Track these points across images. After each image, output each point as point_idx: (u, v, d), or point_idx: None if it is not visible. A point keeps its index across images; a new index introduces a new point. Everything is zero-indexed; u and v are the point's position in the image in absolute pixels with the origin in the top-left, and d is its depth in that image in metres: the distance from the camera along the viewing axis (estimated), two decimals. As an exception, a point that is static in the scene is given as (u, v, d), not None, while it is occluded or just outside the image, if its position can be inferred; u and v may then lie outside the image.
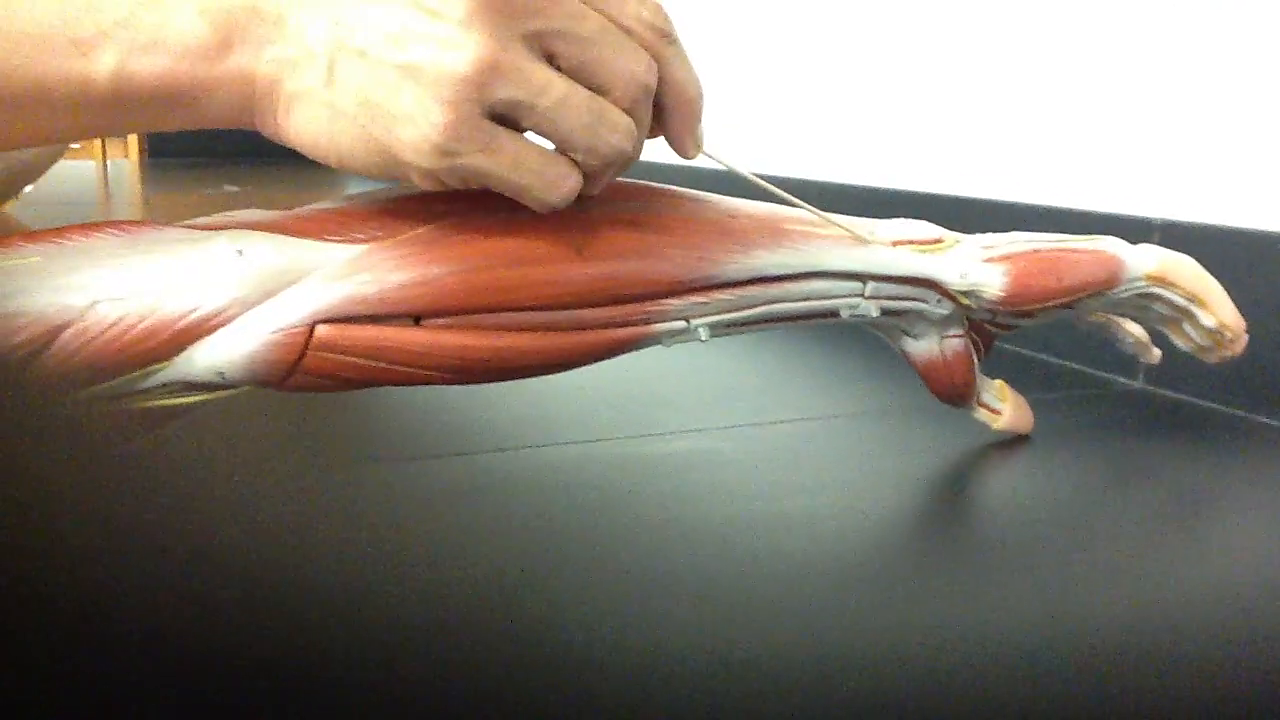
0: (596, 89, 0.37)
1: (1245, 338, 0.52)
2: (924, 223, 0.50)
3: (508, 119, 0.36)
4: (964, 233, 0.51)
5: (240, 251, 0.38)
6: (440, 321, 0.40)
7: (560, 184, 0.38)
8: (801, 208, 0.47)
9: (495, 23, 0.35)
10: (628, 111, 0.38)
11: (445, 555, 0.43)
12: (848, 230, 0.47)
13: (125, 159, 2.87)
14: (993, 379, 0.57)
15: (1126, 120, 0.71)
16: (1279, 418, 0.61)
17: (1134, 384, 0.69)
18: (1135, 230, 0.68)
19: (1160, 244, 0.67)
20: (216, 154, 2.62)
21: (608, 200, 0.42)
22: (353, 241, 0.40)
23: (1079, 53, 0.74)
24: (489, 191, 0.39)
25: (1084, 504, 0.50)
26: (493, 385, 0.42)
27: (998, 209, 0.80)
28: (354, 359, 0.39)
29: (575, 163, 0.38)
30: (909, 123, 0.91)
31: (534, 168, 0.37)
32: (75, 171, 2.58)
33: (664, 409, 0.62)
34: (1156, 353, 0.57)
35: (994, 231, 0.52)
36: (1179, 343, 0.54)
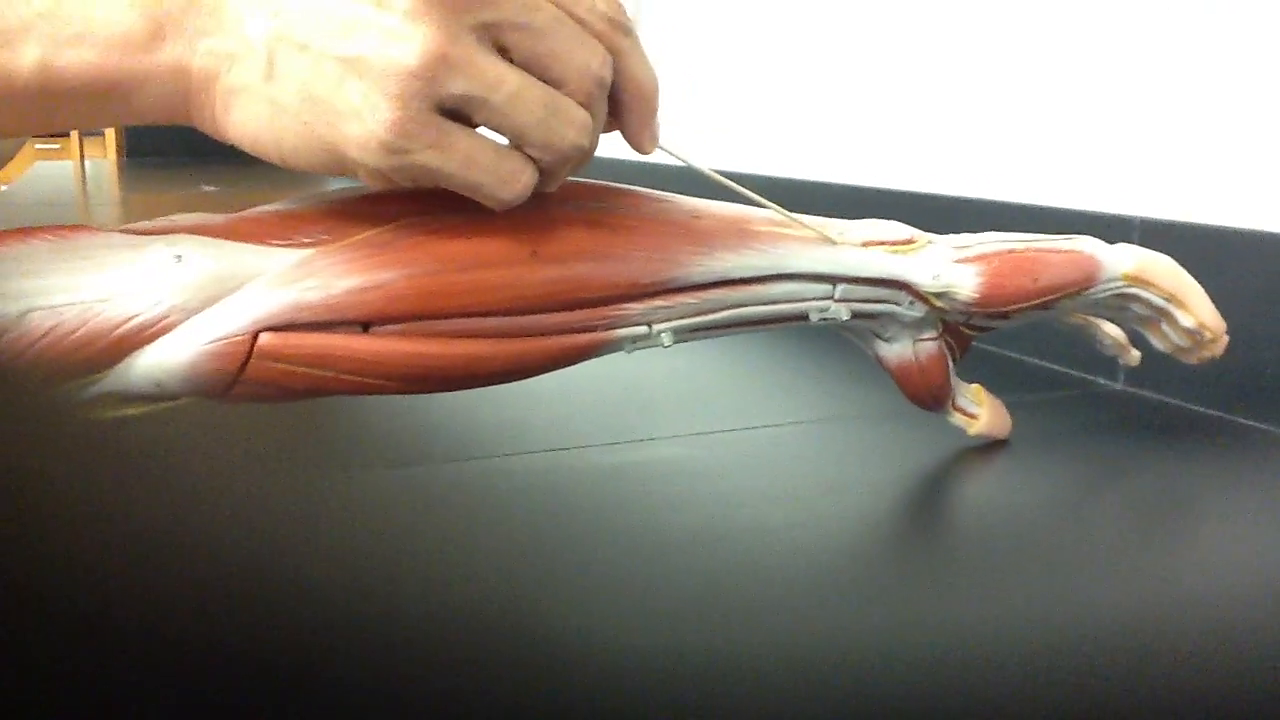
0: (551, 82, 0.36)
1: (1225, 338, 0.51)
2: (895, 223, 0.48)
3: (459, 114, 0.35)
4: (939, 232, 0.50)
5: (179, 257, 0.37)
6: (390, 328, 0.38)
7: (514, 181, 0.36)
8: (765, 206, 0.45)
9: (444, 14, 0.33)
10: (583, 105, 0.36)
11: (405, 566, 0.42)
12: (815, 230, 0.46)
13: (104, 159, 2.85)
14: (970, 382, 0.56)
15: (1105, 116, 0.70)
16: (1262, 420, 0.60)
17: (1114, 385, 0.68)
18: (1115, 228, 0.67)
19: (1140, 242, 0.65)
20: (195, 153, 2.60)
21: (565, 200, 0.41)
22: (298, 245, 0.38)
23: (1057, 49, 0.73)
24: (442, 192, 0.38)
25: (1063, 509, 0.49)
26: (456, 393, 0.41)
27: (974, 207, 0.79)
28: (299, 368, 0.38)
29: (530, 158, 0.37)
30: (883, 119, 0.90)
31: (487, 164, 0.36)
32: (53, 172, 2.56)
33: (637, 415, 0.61)
34: (1136, 354, 0.56)
35: (971, 231, 0.50)
36: (1158, 344, 0.52)
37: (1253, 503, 0.51)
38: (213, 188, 1.89)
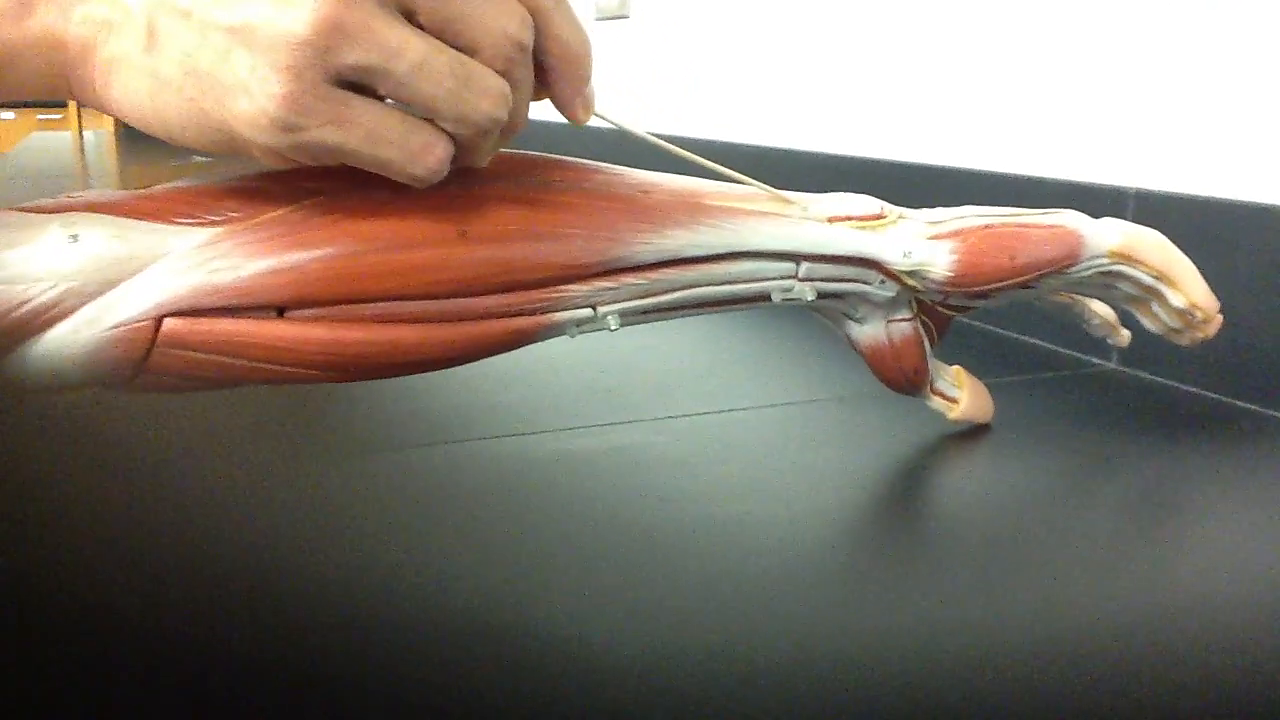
0: (463, 48, 0.32)
1: (1219, 318, 0.48)
2: (865, 197, 0.45)
3: (360, 85, 0.32)
4: (919, 206, 0.47)
5: (75, 237, 0.34)
6: (307, 313, 0.36)
7: (426, 156, 0.33)
8: (724, 175, 0.42)
9: None
10: (501, 73, 0.33)
11: (352, 555, 0.39)
12: (774, 195, 0.43)
13: (105, 129, 2.82)
14: (953, 362, 0.53)
15: (1099, 82, 0.66)
16: (1259, 403, 0.57)
17: (1108, 365, 0.65)
18: (1109, 200, 0.63)
19: (1135, 216, 0.62)
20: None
21: (500, 176, 0.38)
22: (206, 224, 0.35)
23: (1046, 13, 0.69)
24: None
25: (1046, 499, 0.46)
26: (407, 377, 0.38)
27: (957, 178, 0.76)
28: (209, 355, 0.35)
29: (444, 131, 0.34)
30: (859, 83, 0.86)
31: (394, 139, 0.33)
32: (52, 143, 2.54)
33: (600, 399, 0.58)
34: (1126, 335, 0.52)
35: (954, 204, 0.47)
36: (1148, 324, 0.49)
37: (1248, 492, 0.48)
38: (206, 158, 1.86)
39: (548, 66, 0.35)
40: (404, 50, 0.31)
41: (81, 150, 2.51)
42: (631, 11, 1.26)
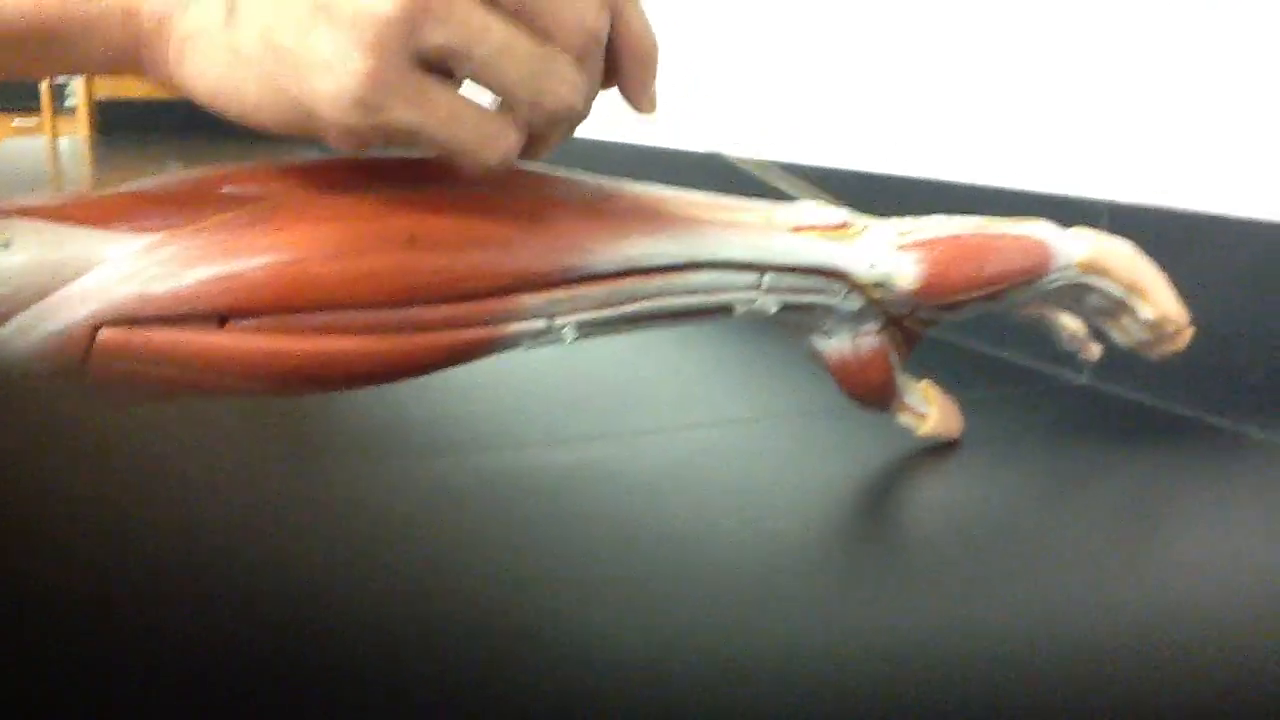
0: (541, 35, 0.32)
1: (1189, 331, 0.47)
2: (830, 206, 0.44)
3: (439, 67, 0.32)
4: (894, 216, 0.46)
5: (6, 244, 0.33)
6: (249, 323, 0.34)
7: (499, 141, 0.33)
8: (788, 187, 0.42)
9: None
10: (576, 62, 0.33)
11: (305, 567, 0.38)
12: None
13: (78, 135, 2.80)
14: (923, 375, 0.52)
15: (1073, 93, 0.66)
16: (1231, 418, 0.56)
17: (1078, 380, 0.64)
18: (1082, 212, 0.63)
19: (1109, 227, 0.62)
20: (166, 129, 2.55)
21: (452, 181, 0.37)
22: (144, 230, 0.34)
23: (1019, 25, 0.69)
24: (308, 172, 0.34)
25: (1018, 513, 0.45)
26: (356, 392, 0.37)
27: (928, 189, 0.75)
28: (147, 367, 0.34)
29: (515, 119, 0.34)
30: (831, 92, 0.86)
31: (470, 123, 0.32)
32: (26, 148, 2.51)
33: (568, 413, 0.57)
34: (1097, 349, 0.52)
35: (930, 215, 0.46)
36: (1118, 337, 0.48)
37: (1219, 507, 0.47)
38: (179, 164, 1.85)
39: (619, 59, 0.35)
40: (487, 33, 0.31)
41: (56, 156, 2.49)
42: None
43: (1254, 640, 0.35)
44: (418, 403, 0.56)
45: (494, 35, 0.31)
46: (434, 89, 0.32)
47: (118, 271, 0.33)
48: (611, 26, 0.34)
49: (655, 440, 0.53)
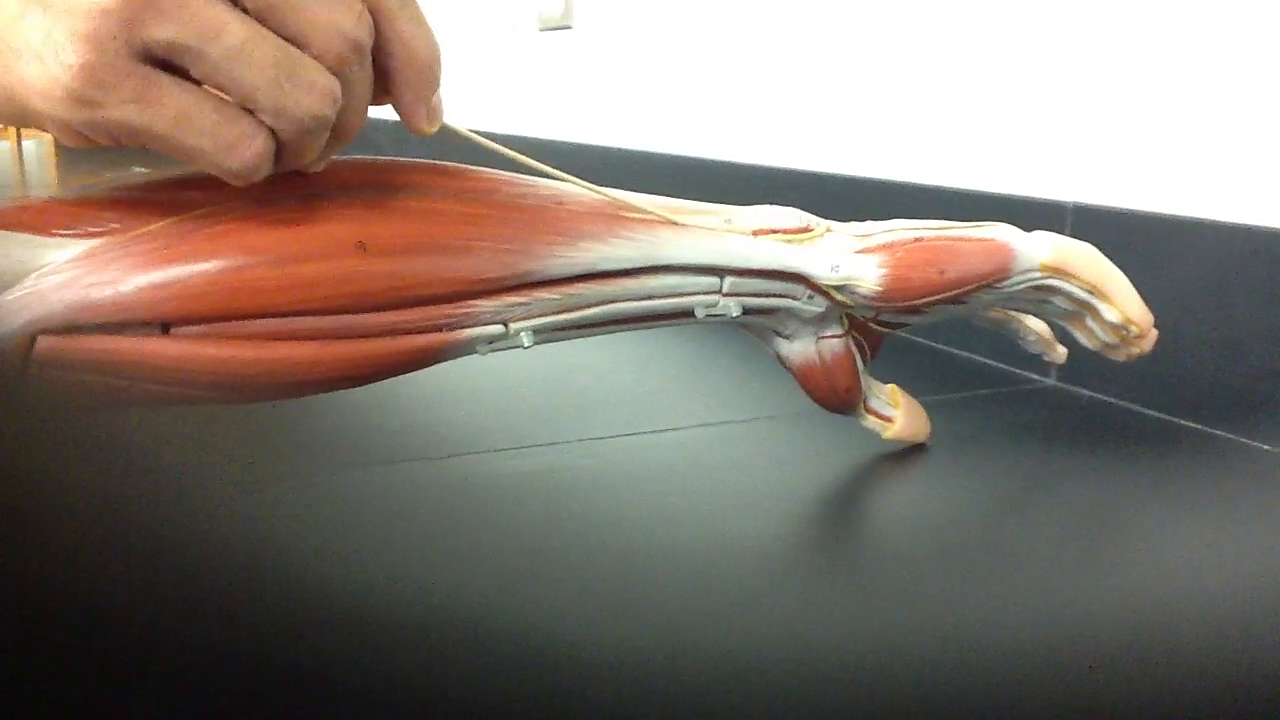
0: (291, 39, 0.30)
1: (1154, 333, 0.46)
2: (790, 209, 0.44)
3: (172, 66, 0.29)
4: (851, 219, 0.45)
5: (-60, 249, 0.32)
6: (193, 330, 0.34)
7: (241, 148, 0.30)
8: (548, 174, 0.39)
9: None
10: (333, 71, 0.31)
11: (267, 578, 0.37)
12: (605, 197, 0.40)
13: (44, 138, 2.77)
14: (892, 377, 0.52)
15: (1036, 94, 0.65)
16: (1197, 419, 0.56)
17: (1046, 381, 0.64)
18: (1047, 214, 0.63)
19: (1073, 229, 0.61)
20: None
21: (402, 186, 0.36)
22: (84, 235, 0.33)
23: (983, 28, 0.69)
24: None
25: (985, 515, 0.45)
26: (313, 399, 0.36)
27: (890, 190, 0.74)
28: (87, 376, 0.33)
29: (264, 124, 0.31)
30: (796, 95, 0.85)
31: (205, 127, 0.30)
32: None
33: (524, 419, 0.56)
34: (1062, 351, 0.51)
35: (894, 218, 0.46)
36: (1083, 340, 0.48)
37: (1186, 509, 0.47)
38: (144, 169, 1.83)
39: (390, 70, 0.33)
40: (222, 31, 0.29)
41: (20, 160, 2.46)
42: (575, 22, 1.24)
43: (1223, 641, 0.35)
44: (373, 411, 0.55)
45: (231, 34, 0.29)
46: (162, 87, 0.29)
47: (57, 278, 0.32)
48: (379, 32, 0.32)
49: (621, 445, 0.52)
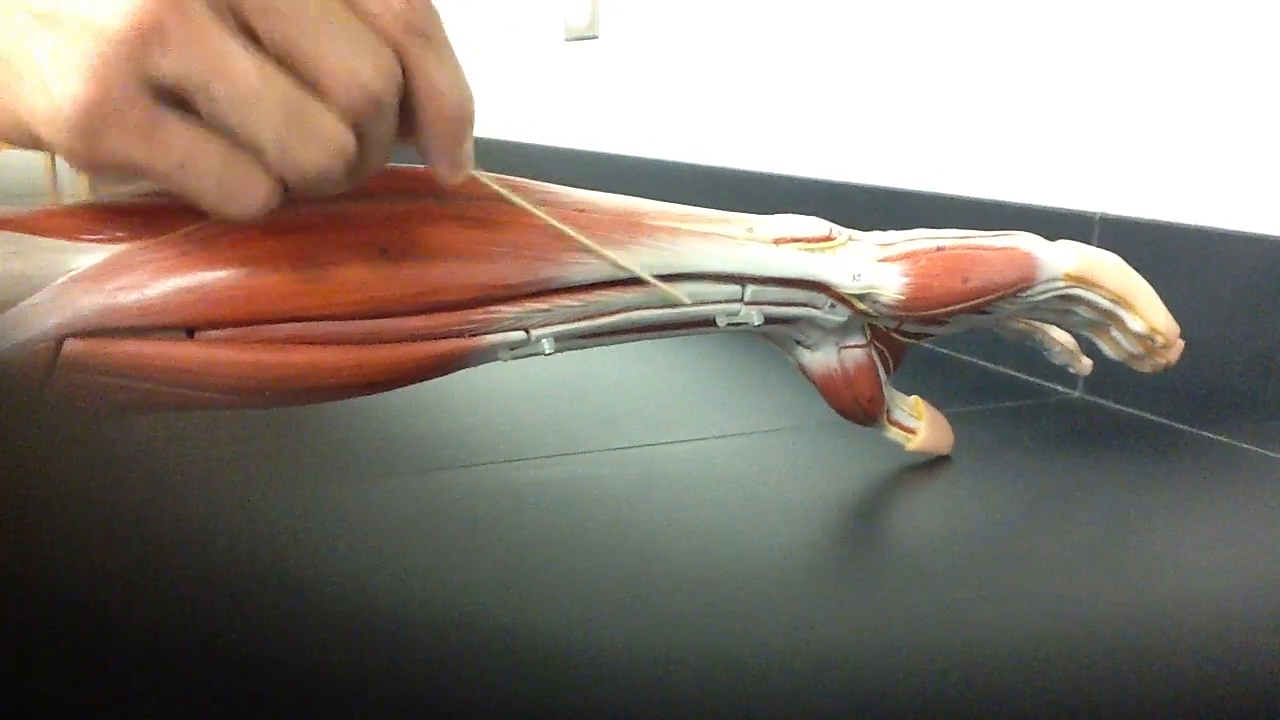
0: (309, 84, 0.29)
1: (1180, 343, 0.46)
2: (812, 218, 0.44)
3: (181, 101, 0.28)
4: (881, 230, 0.45)
5: (-30, 253, 0.32)
6: (217, 334, 0.34)
7: (243, 194, 0.29)
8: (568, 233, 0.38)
9: None
10: (346, 122, 0.29)
11: (279, 588, 0.37)
12: (610, 260, 0.39)
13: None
14: (917, 388, 0.52)
15: (1064, 104, 0.65)
16: (1225, 433, 0.56)
17: (1072, 393, 0.64)
18: (1073, 225, 0.62)
19: (1100, 240, 0.61)
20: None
21: (425, 192, 0.37)
22: (111, 241, 0.34)
23: (1011, 37, 0.68)
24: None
25: (1009, 528, 0.45)
26: (339, 407, 0.37)
27: (917, 201, 0.74)
28: (113, 379, 0.33)
29: (271, 170, 0.30)
30: (820, 103, 0.85)
31: (209, 169, 0.29)
32: (20, 160, 2.51)
33: (547, 429, 0.56)
34: (1087, 363, 0.51)
35: (921, 228, 0.46)
36: (1108, 351, 0.48)
37: (1212, 522, 0.46)
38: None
39: (418, 117, 0.31)
40: (231, 69, 0.27)
41: (54, 169, 2.48)
42: (601, 32, 1.25)
43: (1248, 656, 0.34)
44: (398, 420, 0.55)
45: (239, 74, 0.27)
46: (167, 125, 0.28)
47: (84, 282, 0.33)
48: (408, 79, 0.30)
49: (642, 455, 0.52)
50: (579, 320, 0.39)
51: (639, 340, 0.42)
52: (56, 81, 0.27)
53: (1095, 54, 0.63)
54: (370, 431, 0.54)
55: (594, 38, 1.27)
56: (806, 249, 0.43)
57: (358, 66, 0.29)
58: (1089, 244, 0.46)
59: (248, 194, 0.29)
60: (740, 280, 0.41)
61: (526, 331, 0.38)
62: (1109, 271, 0.44)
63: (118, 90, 0.27)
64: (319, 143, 0.29)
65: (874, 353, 0.47)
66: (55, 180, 2.36)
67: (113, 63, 0.27)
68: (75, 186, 2.14)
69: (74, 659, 0.26)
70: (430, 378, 0.37)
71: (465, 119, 0.32)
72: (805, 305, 0.43)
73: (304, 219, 0.34)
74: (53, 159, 2.54)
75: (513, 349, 0.38)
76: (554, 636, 0.35)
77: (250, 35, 0.28)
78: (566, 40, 1.32)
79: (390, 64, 0.29)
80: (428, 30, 0.30)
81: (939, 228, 0.46)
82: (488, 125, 1.43)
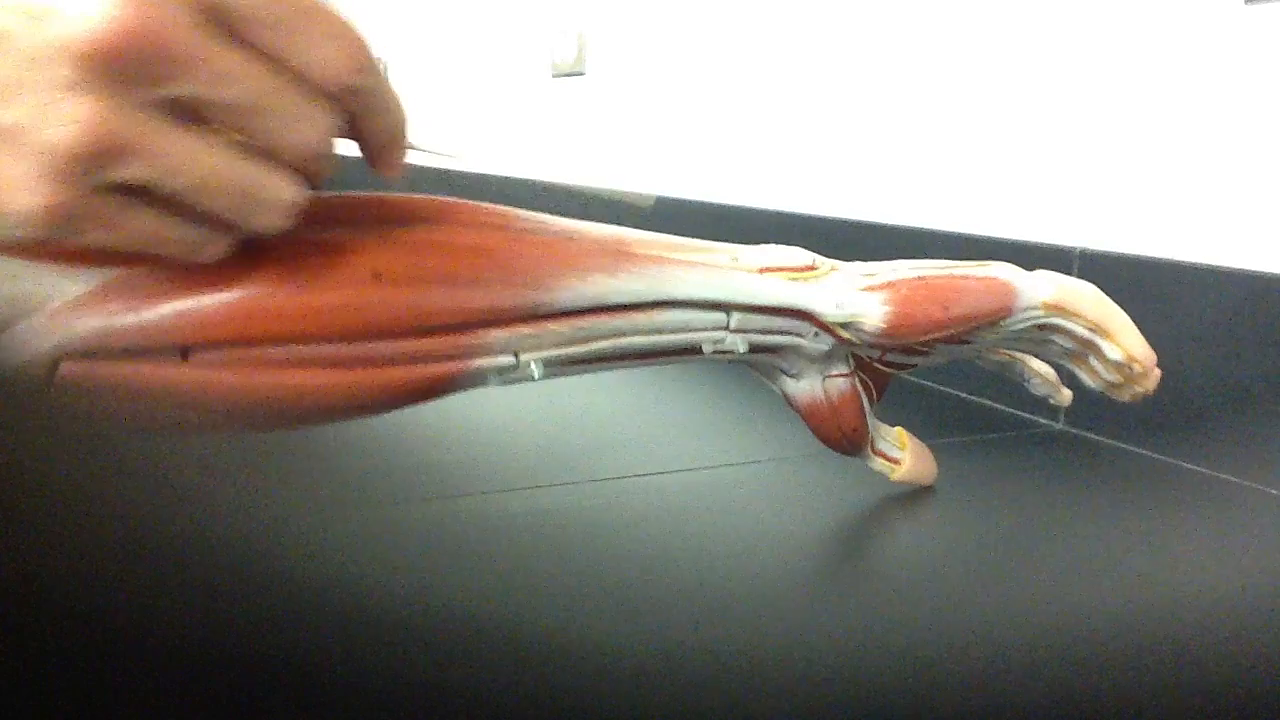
0: (260, 151, 0.32)
1: (1157, 372, 0.47)
2: (795, 248, 0.45)
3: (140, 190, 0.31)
4: (870, 262, 0.46)
5: (-33, 276, 0.33)
6: (211, 356, 0.34)
7: (207, 248, 0.33)
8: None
9: (115, 86, 0.28)
10: (299, 177, 0.33)
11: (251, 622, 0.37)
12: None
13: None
14: (902, 420, 0.52)
15: (1045, 144, 0.66)
16: (1204, 464, 0.57)
17: (1054, 425, 0.64)
18: (1053, 259, 0.63)
19: (1079, 274, 0.62)
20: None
21: (416, 218, 0.37)
22: (107, 264, 0.34)
23: (993, 73, 0.70)
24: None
25: (992, 559, 0.45)
26: (324, 438, 0.37)
27: (898, 235, 0.75)
28: (108, 400, 0.34)
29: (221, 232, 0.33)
30: (809, 141, 0.87)
31: (174, 237, 0.32)
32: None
33: (531, 459, 0.56)
34: (1067, 394, 0.52)
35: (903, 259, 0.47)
36: (1088, 381, 0.49)
37: (1192, 553, 0.47)
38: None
39: (363, 142, 0.35)
40: (184, 166, 0.30)
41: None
42: (587, 68, 1.26)
43: (1228, 689, 0.35)
44: (385, 449, 0.55)
45: (194, 167, 0.30)
46: (131, 212, 0.31)
47: (79, 305, 0.33)
48: (355, 120, 0.34)
49: (630, 486, 0.53)
50: (567, 346, 0.39)
51: (626, 368, 0.42)
52: (25, 191, 0.29)
53: (1075, 91, 0.64)
54: (361, 462, 0.54)
55: (580, 74, 1.28)
56: (790, 277, 0.43)
57: (306, 133, 0.32)
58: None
59: (206, 249, 0.33)
60: (725, 308, 0.42)
61: (516, 356, 0.38)
62: (1086, 300, 0.45)
63: (82, 197, 0.29)
64: (274, 207, 0.32)
65: (858, 382, 0.48)
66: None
67: (72, 177, 0.29)
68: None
69: (75, 662, 0.26)
70: (421, 402, 0.37)
71: (400, 140, 0.36)
72: (790, 334, 0.44)
73: (298, 243, 0.35)
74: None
75: (502, 374, 0.39)
76: (543, 665, 0.35)
77: (204, 120, 0.30)
78: (554, 77, 1.34)
79: (331, 123, 0.33)
80: (362, 87, 0.33)
81: (916, 259, 0.46)
82: (476, 160, 1.44)
